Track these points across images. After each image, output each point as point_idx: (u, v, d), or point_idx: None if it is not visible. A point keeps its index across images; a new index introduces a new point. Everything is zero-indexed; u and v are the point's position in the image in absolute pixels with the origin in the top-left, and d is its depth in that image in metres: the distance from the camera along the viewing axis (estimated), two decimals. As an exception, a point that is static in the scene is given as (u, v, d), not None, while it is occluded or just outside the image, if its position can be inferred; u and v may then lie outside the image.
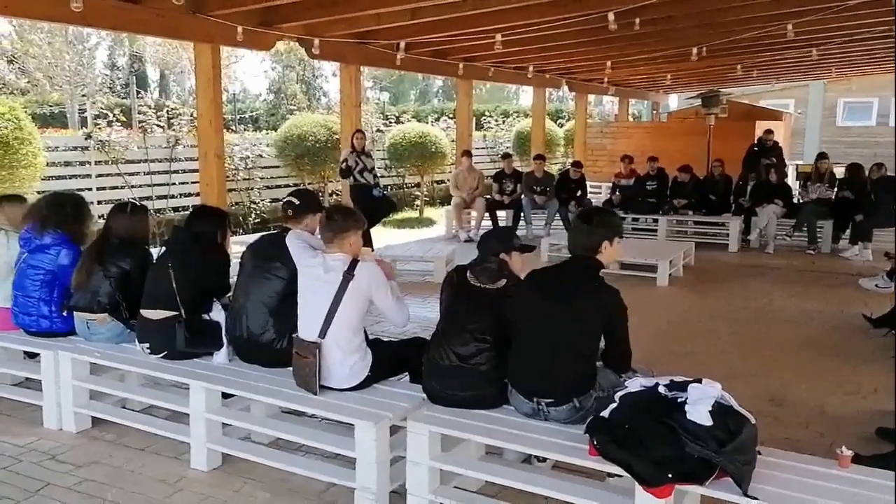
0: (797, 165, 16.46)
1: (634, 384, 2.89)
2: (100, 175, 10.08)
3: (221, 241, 4.28)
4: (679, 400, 2.76)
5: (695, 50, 8.81)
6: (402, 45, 9.14)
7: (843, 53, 12.15)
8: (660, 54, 10.63)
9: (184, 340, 3.89)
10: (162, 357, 4.00)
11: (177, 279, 3.93)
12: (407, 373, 3.80)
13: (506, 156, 12.10)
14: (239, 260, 4.11)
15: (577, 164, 11.91)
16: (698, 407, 2.62)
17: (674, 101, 25.58)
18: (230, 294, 4.21)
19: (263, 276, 3.85)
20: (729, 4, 7.77)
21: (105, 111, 10.70)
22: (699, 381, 2.77)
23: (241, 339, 3.90)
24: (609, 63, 11.07)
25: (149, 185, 10.45)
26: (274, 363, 3.84)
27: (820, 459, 2.78)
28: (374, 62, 10.23)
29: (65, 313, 4.35)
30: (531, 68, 11.94)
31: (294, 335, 3.61)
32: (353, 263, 3.52)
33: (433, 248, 8.93)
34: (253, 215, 11.56)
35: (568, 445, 2.92)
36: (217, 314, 4.05)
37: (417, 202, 14.47)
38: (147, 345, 4.02)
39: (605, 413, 2.88)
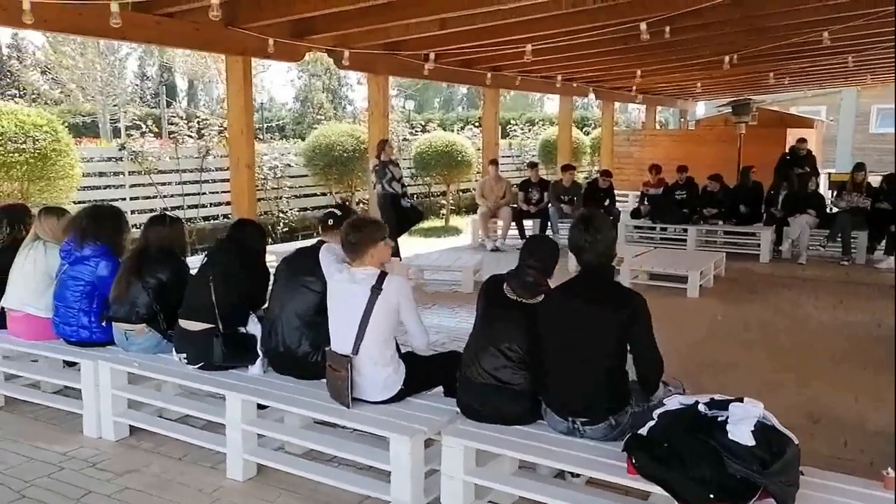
0: (829, 174, 16.26)
1: (673, 402, 2.87)
2: (133, 185, 10.24)
3: (262, 255, 4.34)
4: (719, 419, 2.73)
5: (727, 58, 8.74)
6: (432, 55, 9.17)
7: (879, 60, 11.98)
8: (691, 62, 10.56)
9: (221, 354, 3.94)
10: (199, 368, 4.05)
11: (217, 292, 3.98)
12: (441, 386, 3.80)
13: (532, 165, 12.09)
14: (274, 272, 4.15)
15: (605, 174, 11.86)
16: (741, 426, 2.59)
17: (701, 109, 25.43)
18: (265, 306, 4.25)
19: (298, 289, 3.89)
20: (765, 11, 7.70)
21: (137, 122, 10.86)
22: (741, 399, 2.75)
23: (275, 351, 3.93)
24: (639, 72, 11.01)
25: (180, 195, 10.58)
26: (308, 376, 3.87)
27: (864, 480, 2.74)
28: (402, 72, 10.29)
29: (104, 323, 4.43)
30: (559, 77, 11.93)
31: (327, 348, 3.64)
32: (382, 276, 3.52)
33: (460, 258, 8.91)
34: (281, 224, 11.65)
35: (606, 463, 2.91)
36: (253, 327, 4.09)
37: (443, 211, 14.48)
38: (184, 355, 4.07)
39: (643, 430, 2.86)
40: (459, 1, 7.36)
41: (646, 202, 11.63)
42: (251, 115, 8.00)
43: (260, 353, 4.01)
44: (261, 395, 3.75)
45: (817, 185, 11.29)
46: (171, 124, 10.67)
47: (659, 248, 9.87)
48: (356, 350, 3.49)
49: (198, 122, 11.04)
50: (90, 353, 4.34)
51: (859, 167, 10.61)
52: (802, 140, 12.24)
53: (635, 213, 11.66)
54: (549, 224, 11.28)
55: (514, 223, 11.30)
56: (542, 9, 7.51)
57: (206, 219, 11.05)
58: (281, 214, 11.69)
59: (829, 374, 5.40)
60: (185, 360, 4.07)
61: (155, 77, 32.75)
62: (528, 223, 11.50)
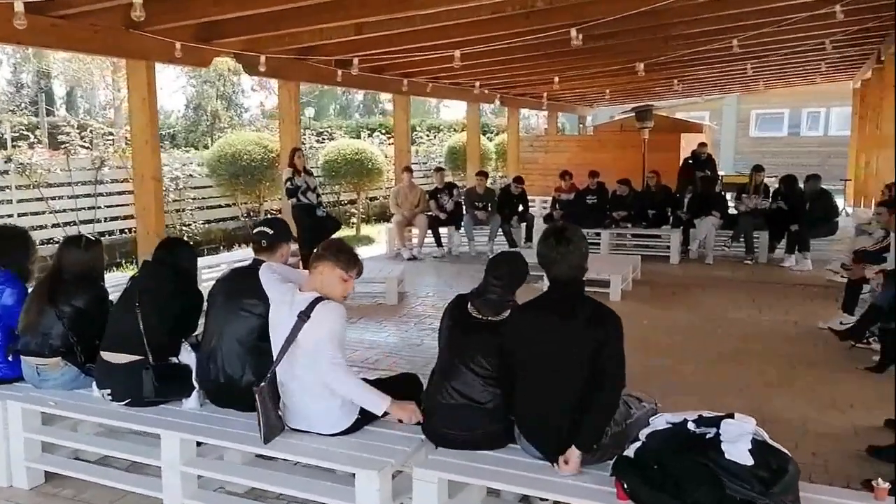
0: (721, 176, 16.96)
1: (660, 421, 2.77)
2: (21, 200, 9.43)
3: (195, 277, 3.99)
4: (708, 436, 2.65)
5: (641, 65, 8.90)
6: (356, 60, 8.91)
7: (776, 67, 12.56)
8: (604, 69, 10.73)
9: (152, 388, 3.58)
10: (126, 404, 3.65)
11: (145, 319, 3.61)
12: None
13: (438, 170, 11.97)
14: (207, 296, 3.80)
15: (518, 180, 11.89)
16: (738, 445, 2.51)
17: (597, 115, 26.05)
18: (197, 333, 3.90)
19: (238, 314, 3.57)
20: (679, 19, 7.86)
21: (24, 132, 10.02)
22: (731, 416, 2.67)
23: (215, 382, 3.59)
24: (557, 78, 11.09)
25: (73, 210, 9.83)
26: (251, 407, 3.49)
27: (855, 493, 2.72)
28: (315, 78, 9.95)
29: (10, 358, 3.95)
30: (478, 84, 11.90)
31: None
32: (314, 303, 3.20)
33: (383, 269, 8.67)
34: (185, 238, 11.02)
35: (594, 489, 2.76)
36: (186, 356, 3.74)
37: (353, 220, 14.17)
38: (108, 391, 3.67)
39: (629, 452, 2.74)
40: (377, 6, 7.16)
41: (557, 207, 11.74)
42: (156, 125, 7.47)
43: (195, 384, 3.66)
44: (201, 432, 3.42)
45: (722, 188, 11.73)
46: (63, 134, 9.87)
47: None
48: (271, 377, 3.22)
49: (90, 132, 10.29)
50: (-5, 391, 3.87)
51: (758, 168, 11.03)
52: (703, 144, 12.69)
53: (548, 219, 11.73)
54: (463, 230, 11.21)
55: (429, 231, 11.15)
56: (460, 15, 7.41)
57: (101, 234, 10.31)
58: (184, 228, 11.06)
59: (764, 376, 5.50)
60: (110, 397, 3.67)
61: (31, 84, 30.66)
62: (443, 230, 11.37)
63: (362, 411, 3.33)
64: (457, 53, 7.74)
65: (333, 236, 9.26)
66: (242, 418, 3.50)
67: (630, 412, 3.10)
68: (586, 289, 3.12)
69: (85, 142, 10.11)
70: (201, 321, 3.87)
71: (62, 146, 9.81)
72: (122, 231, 10.74)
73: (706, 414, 2.72)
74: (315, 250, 3.38)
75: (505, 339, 3.13)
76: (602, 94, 15.72)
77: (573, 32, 6.51)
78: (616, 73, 11.72)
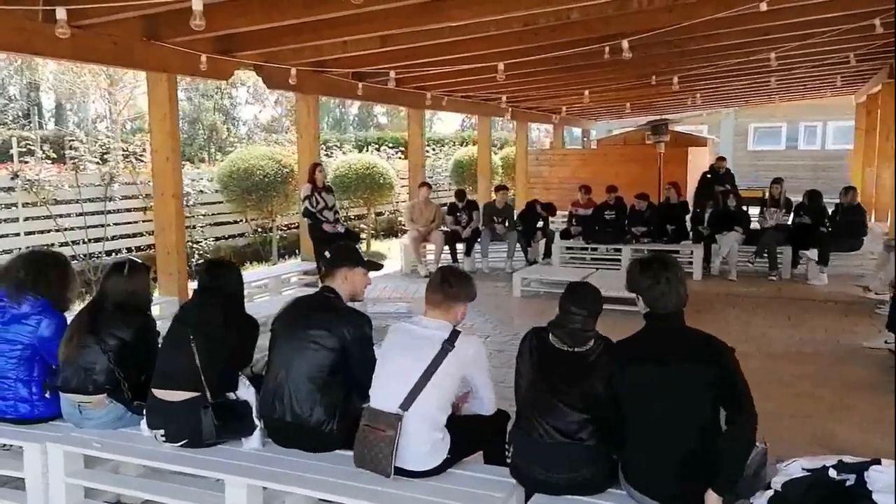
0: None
1: (794, 468, 2.52)
2: (27, 218, 9.09)
3: (243, 302, 3.71)
4: (848, 483, 2.41)
5: (676, 78, 8.72)
6: (392, 73, 8.67)
7: (797, 81, 12.43)
8: (627, 83, 10.55)
9: (212, 428, 3.28)
10: (181, 445, 3.36)
11: (201, 353, 3.32)
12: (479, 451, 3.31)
13: (460, 191, 11.77)
14: (271, 327, 3.52)
15: (548, 208, 11.77)
16: (890, 498, 2.26)
17: (596, 129, 25.96)
18: (252, 364, 3.62)
19: (307, 347, 3.29)
20: (713, 31, 7.69)
21: (32, 146, 9.70)
22: (877, 461, 2.42)
23: (281, 421, 3.30)
24: (587, 93, 10.91)
25: (82, 228, 9.51)
26: (321, 448, 3.29)
27: None
28: (334, 92, 9.72)
29: (48, 394, 3.66)
30: (504, 97, 11.69)
31: (365, 406, 3.12)
32: (455, 333, 3.10)
33: (408, 288, 8.38)
34: (196, 256, 10.72)
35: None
36: (245, 391, 3.45)
37: (363, 235, 13.90)
38: (161, 431, 3.37)
39: (762, 502, 2.49)
40: (404, 17, 6.93)
41: (574, 222, 11.52)
42: (177, 141, 7.18)
43: (257, 422, 3.38)
44: (267, 476, 3.13)
45: (739, 202, 11.54)
46: (72, 149, 9.56)
47: (601, 270, 9.70)
48: (406, 407, 2.99)
49: (100, 146, 9.98)
50: (33, 432, 3.57)
51: (776, 181, 10.86)
52: (722, 158, 12.55)
53: (565, 234, 11.50)
54: (479, 246, 10.96)
55: (446, 247, 10.90)
56: (488, 27, 7.20)
57: (108, 253, 10.00)
58: (195, 245, 10.75)
59: (823, 402, 5.26)
60: (164, 438, 3.38)
61: (20, 97, 30.26)
62: (459, 247, 11.11)
63: (451, 449, 3.10)
64: (500, 66, 7.51)
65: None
66: (313, 460, 3.23)
67: (757, 457, 2.85)
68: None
69: (94, 156, 9.78)
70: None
71: (71, 161, 9.48)
72: (129, 249, 10.42)
73: (847, 459, 2.48)
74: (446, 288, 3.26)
75: (614, 383, 2.91)
76: (622, 108, 15.53)
77: (625, 44, 6.29)
78: (643, 86, 11.53)
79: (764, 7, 5.38)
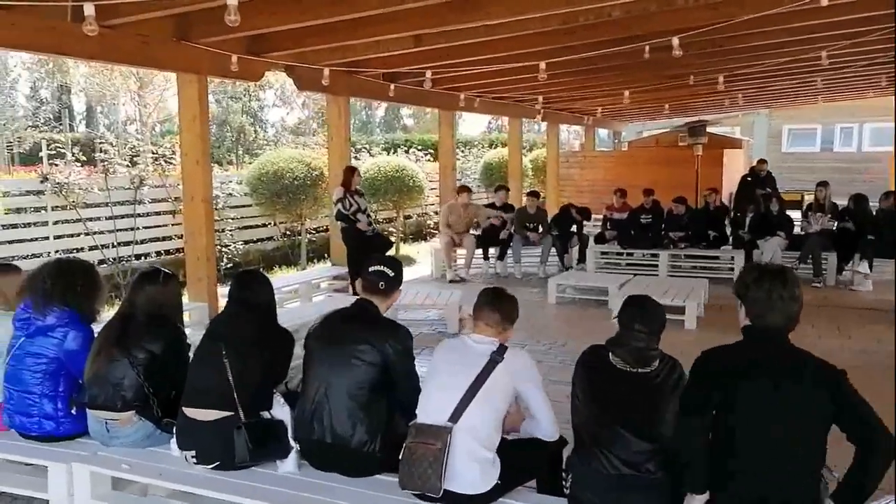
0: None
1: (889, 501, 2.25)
2: (57, 222, 9.01)
3: (275, 314, 3.50)
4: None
5: (721, 77, 8.40)
6: (429, 73, 8.45)
7: (843, 80, 12.04)
8: (667, 83, 10.25)
9: (246, 451, 3.07)
10: (213, 468, 3.16)
11: (234, 370, 3.11)
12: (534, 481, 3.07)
13: (501, 188, 11.53)
14: (304, 342, 3.31)
15: (583, 213, 11.51)
16: None
17: (626, 131, 25.58)
18: (289, 382, 3.42)
19: (348, 364, 3.07)
20: (750, 30, 7.38)
21: (62, 149, 9.63)
22: None
23: (319, 442, 3.09)
24: (627, 93, 10.61)
25: (111, 231, 9.41)
26: (361, 471, 3.07)
27: None
28: (366, 93, 9.54)
29: (73, 411, 3.48)
30: (540, 98, 11.43)
31: (412, 423, 2.91)
32: (503, 347, 2.92)
33: (441, 294, 8.10)
34: (224, 260, 10.59)
35: None
36: (279, 410, 3.24)
37: (392, 239, 13.71)
38: (193, 453, 3.18)
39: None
40: (439, 15, 6.71)
41: (608, 227, 11.22)
42: (208, 144, 7.02)
43: (292, 444, 3.17)
44: (305, 502, 2.92)
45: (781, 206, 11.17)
46: (102, 151, 9.47)
47: (639, 276, 9.40)
48: (455, 419, 2.78)
49: (130, 149, 9.88)
50: (58, 450, 3.40)
51: (822, 185, 10.49)
52: (762, 161, 12.19)
53: (600, 239, 11.21)
54: (511, 252, 10.70)
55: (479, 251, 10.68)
56: (526, 26, 6.96)
57: (138, 257, 9.90)
58: (224, 249, 10.61)
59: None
60: (195, 459, 3.18)
61: (51, 99, 30.56)
62: (492, 251, 10.86)
63: (502, 475, 2.87)
64: (542, 65, 7.26)
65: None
66: (352, 486, 3.01)
67: (827, 489, 2.59)
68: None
69: (124, 159, 9.68)
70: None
71: (102, 163, 9.39)
72: (158, 253, 10.32)
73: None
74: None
75: (712, 397, 2.62)
76: (660, 109, 15.19)
77: (675, 41, 6.00)
78: (680, 87, 11.20)
79: (825, 2, 5.07)
